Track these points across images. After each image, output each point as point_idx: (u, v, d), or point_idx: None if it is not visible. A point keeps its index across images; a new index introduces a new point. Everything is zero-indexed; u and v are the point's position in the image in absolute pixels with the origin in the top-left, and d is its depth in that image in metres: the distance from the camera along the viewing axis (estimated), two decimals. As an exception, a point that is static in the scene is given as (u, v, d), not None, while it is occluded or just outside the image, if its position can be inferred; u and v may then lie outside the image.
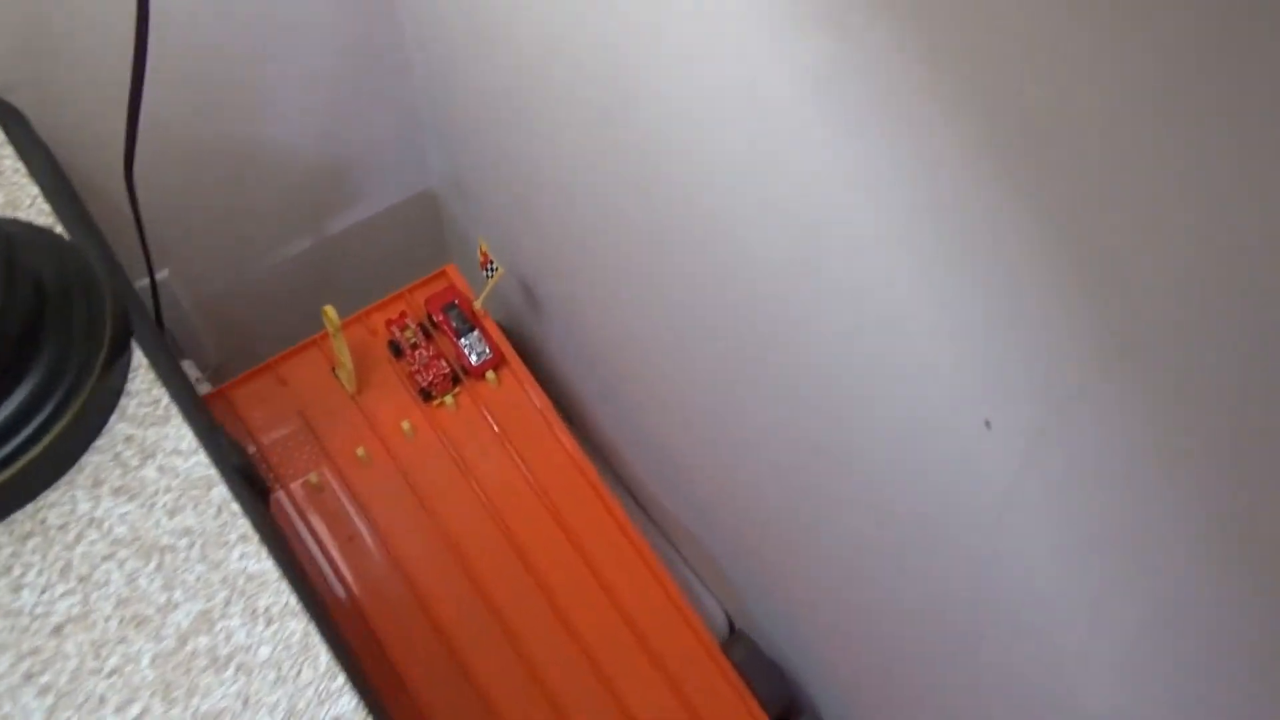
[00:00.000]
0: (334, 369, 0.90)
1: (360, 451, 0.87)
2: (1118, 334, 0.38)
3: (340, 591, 0.83)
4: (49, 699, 0.46)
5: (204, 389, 0.91)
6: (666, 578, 0.88)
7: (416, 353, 0.91)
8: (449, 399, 0.90)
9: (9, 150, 0.63)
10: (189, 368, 0.92)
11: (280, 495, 0.85)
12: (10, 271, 0.50)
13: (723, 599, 1.00)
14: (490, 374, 0.91)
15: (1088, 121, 0.34)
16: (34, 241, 0.55)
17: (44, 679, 0.46)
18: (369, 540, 0.85)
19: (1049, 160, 0.36)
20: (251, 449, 0.86)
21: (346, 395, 0.90)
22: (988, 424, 0.48)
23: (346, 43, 0.88)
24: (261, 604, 0.48)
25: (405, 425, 0.88)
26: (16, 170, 0.62)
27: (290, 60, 0.85)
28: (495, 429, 0.90)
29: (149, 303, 0.80)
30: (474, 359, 0.91)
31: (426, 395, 0.90)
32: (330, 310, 0.82)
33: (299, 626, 0.48)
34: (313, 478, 0.86)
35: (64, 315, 0.53)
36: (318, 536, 0.85)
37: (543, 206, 0.86)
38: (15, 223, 0.57)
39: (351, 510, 0.86)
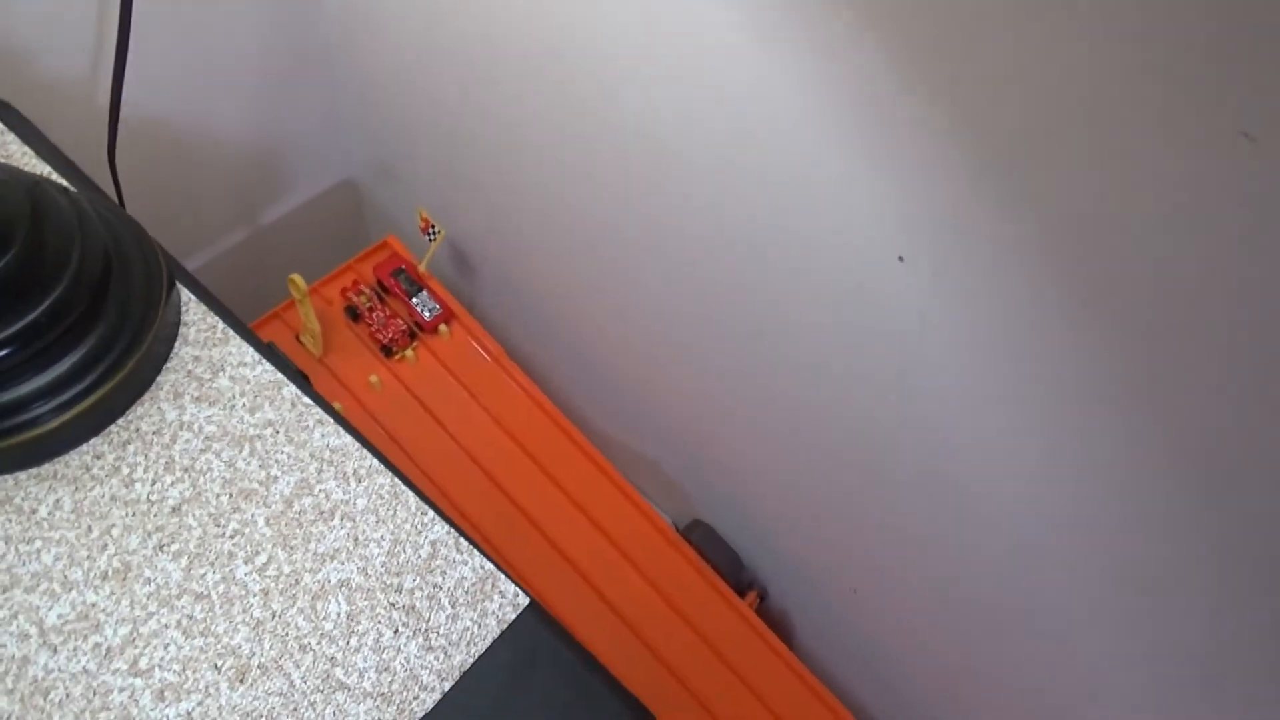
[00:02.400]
0: (298, 335, 0.97)
1: (337, 406, 0.95)
2: (989, 160, 0.54)
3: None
4: (183, 561, 0.54)
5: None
6: (625, 483, 1.00)
7: (373, 314, 0.99)
8: (409, 353, 0.99)
9: (12, 136, 0.69)
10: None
11: (265, 455, 0.92)
12: (84, 223, 0.58)
13: (668, 510, 1.13)
14: (442, 327, 1.01)
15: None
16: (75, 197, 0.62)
17: (174, 547, 0.54)
18: (354, 485, 0.93)
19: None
20: (231, 417, 0.93)
21: (314, 358, 0.97)
22: (900, 259, 0.63)
23: (272, 39, 0.96)
24: (349, 468, 0.58)
25: (373, 379, 0.97)
26: (25, 154, 0.69)
27: (222, 51, 0.93)
28: (453, 375, 1.00)
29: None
30: (427, 315, 1.00)
31: (388, 351, 0.98)
32: (298, 278, 0.90)
33: (385, 481, 0.57)
34: (296, 434, 0.93)
35: (125, 262, 0.60)
36: (307, 487, 0.92)
37: (470, 170, 0.96)
38: (65, 189, 0.64)
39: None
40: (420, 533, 0.56)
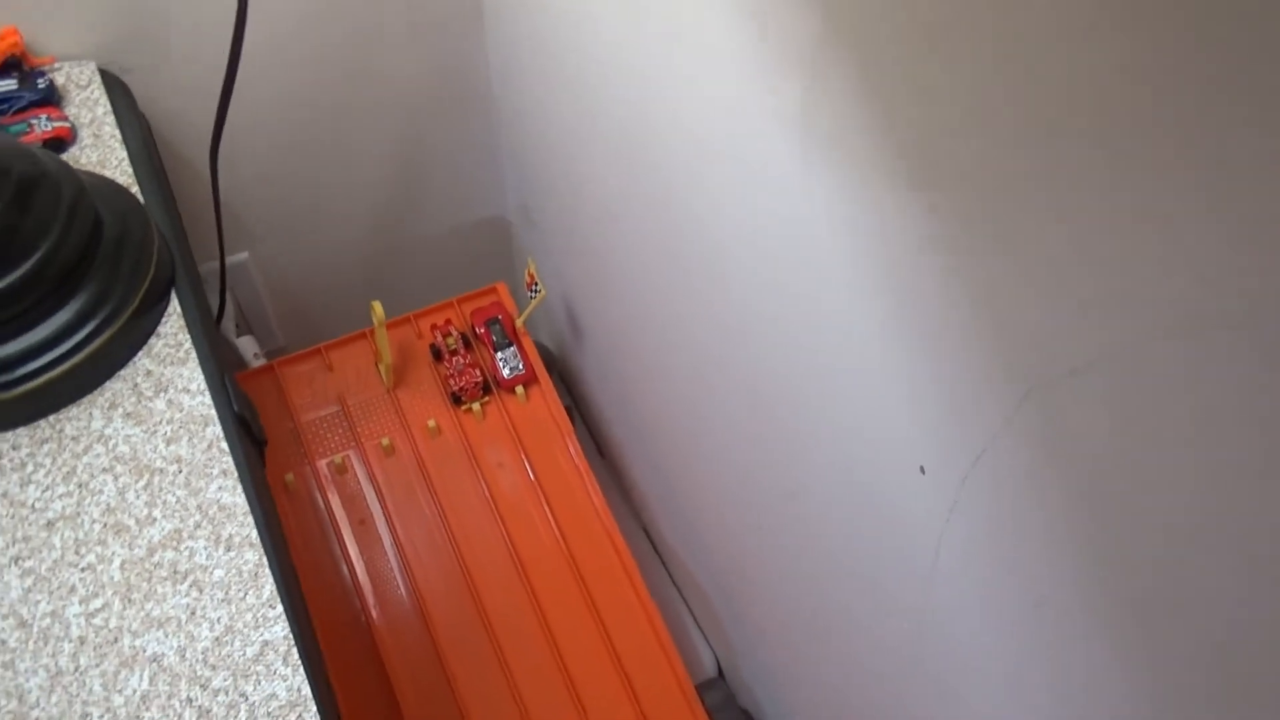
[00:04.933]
0: (377, 362, 0.96)
1: (385, 441, 0.92)
2: (1031, 371, 0.40)
3: (344, 570, 0.88)
4: (29, 580, 0.51)
5: (258, 364, 0.98)
6: (655, 613, 0.89)
7: (454, 359, 0.96)
8: (477, 406, 0.95)
9: (111, 119, 0.72)
10: (249, 343, 1.00)
11: (307, 470, 0.91)
12: (74, 208, 0.57)
13: (715, 644, 1.00)
14: (520, 389, 0.96)
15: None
16: (105, 191, 0.63)
17: (28, 563, 0.51)
18: (379, 525, 0.90)
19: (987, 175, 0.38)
20: (290, 425, 0.93)
21: (384, 388, 0.95)
22: (922, 470, 0.49)
23: (436, 70, 0.96)
24: (226, 532, 0.53)
25: (431, 423, 0.93)
26: (114, 136, 0.71)
27: (381, 79, 0.94)
28: (516, 442, 0.94)
29: (216, 279, 0.88)
30: (506, 372, 0.95)
31: (457, 399, 0.95)
32: (378, 306, 0.88)
33: (253, 557, 0.52)
34: (337, 459, 0.91)
35: (115, 256, 0.60)
36: (333, 514, 0.90)
37: (589, 241, 0.90)
38: (95, 175, 0.65)
39: (369, 494, 0.91)
40: (259, 628, 0.50)
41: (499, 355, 0.96)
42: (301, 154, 0.97)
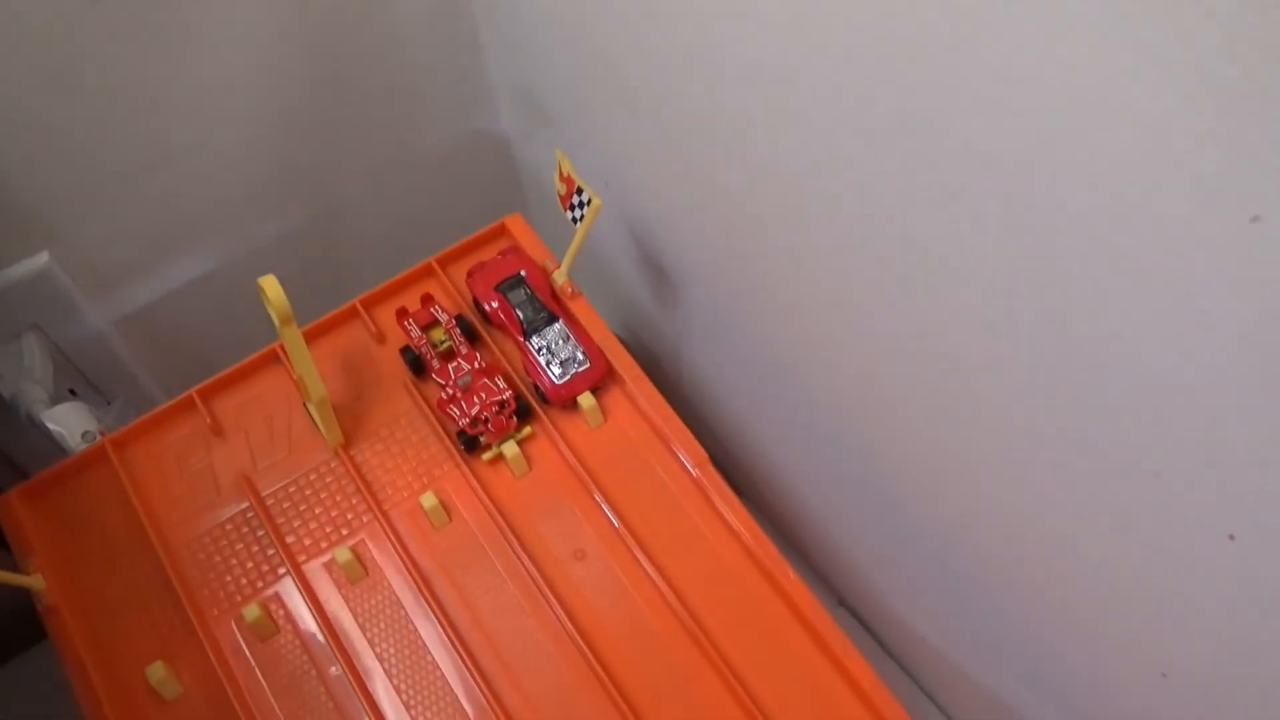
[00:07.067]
0: (305, 402, 0.49)
1: (342, 554, 0.45)
2: None
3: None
4: None
5: (85, 446, 0.51)
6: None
7: (450, 367, 0.50)
8: (511, 448, 0.48)
9: None
10: (73, 414, 0.54)
11: (198, 646, 0.44)
12: None
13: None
14: (588, 399, 0.49)
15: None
16: None
17: None
18: (362, 729, 0.43)
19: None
20: (151, 561, 0.46)
21: (325, 447, 0.49)
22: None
23: None
24: None
25: (428, 501, 0.46)
26: None
27: None
28: (601, 503, 0.47)
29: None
30: (556, 373, 0.49)
31: (470, 443, 0.48)
32: (270, 283, 0.42)
33: None
34: (251, 611, 0.45)
35: None
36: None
37: (678, 114, 0.44)
38: None
39: (328, 672, 0.44)
40: None
41: (534, 343, 0.50)
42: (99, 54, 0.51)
